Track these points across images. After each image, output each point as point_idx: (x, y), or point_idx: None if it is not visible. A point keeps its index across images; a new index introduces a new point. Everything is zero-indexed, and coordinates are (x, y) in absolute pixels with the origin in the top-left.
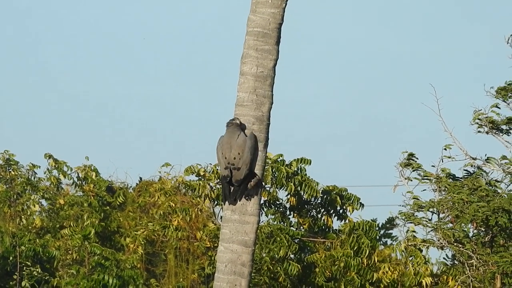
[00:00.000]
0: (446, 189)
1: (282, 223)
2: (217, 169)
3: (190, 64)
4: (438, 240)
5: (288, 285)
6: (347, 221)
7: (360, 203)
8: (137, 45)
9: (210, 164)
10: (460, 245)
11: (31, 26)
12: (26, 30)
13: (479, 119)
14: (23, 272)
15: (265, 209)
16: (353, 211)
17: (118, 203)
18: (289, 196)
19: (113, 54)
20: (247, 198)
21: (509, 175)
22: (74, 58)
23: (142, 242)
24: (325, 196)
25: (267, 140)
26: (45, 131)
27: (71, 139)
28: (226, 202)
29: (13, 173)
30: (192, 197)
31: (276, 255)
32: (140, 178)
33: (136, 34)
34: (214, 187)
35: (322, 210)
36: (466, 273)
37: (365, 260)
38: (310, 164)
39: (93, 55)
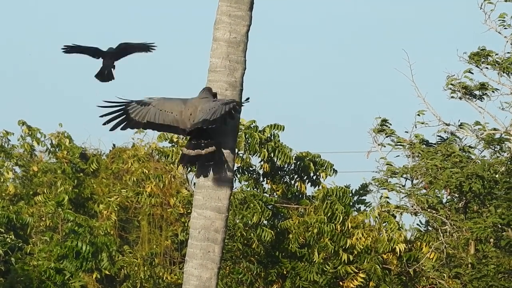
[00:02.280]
0: (420, 155)
1: (255, 189)
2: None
3: (163, 30)
4: (412, 206)
5: (262, 251)
6: (320, 187)
7: (334, 169)
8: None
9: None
10: (434, 211)
11: None
12: None
13: (452, 84)
14: None
15: (238, 176)
16: (326, 177)
17: (92, 170)
18: (262, 163)
19: (88, 14)
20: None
21: (483, 141)
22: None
23: (116, 209)
24: (298, 163)
25: (240, 106)
26: (18, 97)
27: (44, 105)
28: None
29: None
30: (165, 164)
31: (249, 221)
32: (114, 145)
33: None
34: None
35: (296, 177)
36: (440, 239)
37: (338, 226)
38: (283, 130)
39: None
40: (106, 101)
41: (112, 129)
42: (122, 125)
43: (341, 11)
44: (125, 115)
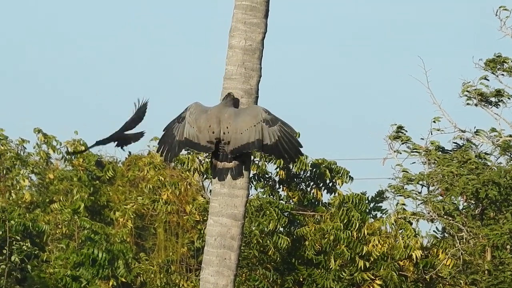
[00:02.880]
0: (436, 161)
1: (271, 196)
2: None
3: (179, 40)
4: (428, 213)
5: (278, 259)
6: (336, 194)
7: (350, 176)
8: (123, 15)
9: None
10: (450, 218)
11: None
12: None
13: (468, 91)
14: (13, 247)
15: (254, 183)
16: (342, 184)
17: (108, 177)
18: (278, 169)
19: (97, 21)
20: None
21: (499, 147)
22: (62, 30)
23: (132, 216)
24: (314, 170)
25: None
26: (34, 105)
27: (60, 113)
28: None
29: (2, 148)
30: (181, 171)
31: (265, 229)
32: (129, 152)
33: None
34: (203, 161)
35: (312, 184)
36: (456, 246)
37: (355, 233)
38: (299, 137)
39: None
40: (159, 142)
41: (170, 160)
42: (176, 151)
43: (359, 19)
44: (173, 140)
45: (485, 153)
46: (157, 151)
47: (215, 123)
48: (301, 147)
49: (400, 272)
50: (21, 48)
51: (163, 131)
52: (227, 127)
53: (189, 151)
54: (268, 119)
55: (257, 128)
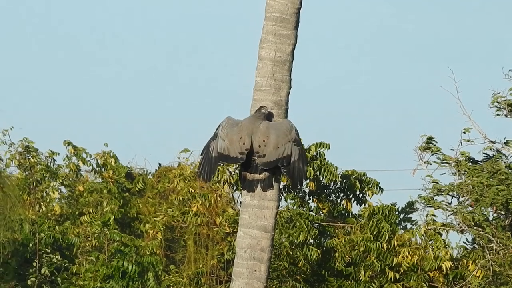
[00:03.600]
0: (466, 172)
1: (301, 208)
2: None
3: (208, 51)
4: (458, 224)
5: (308, 270)
6: (366, 205)
7: (380, 187)
8: (158, 29)
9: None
10: (480, 229)
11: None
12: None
13: (497, 102)
14: (43, 259)
15: (284, 194)
16: (372, 195)
17: (137, 189)
18: (308, 181)
19: (130, 37)
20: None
21: None
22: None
23: (162, 228)
24: (344, 181)
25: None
26: (64, 118)
27: (90, 125)
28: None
29: (32, 160)
30: (211, 183)
31: (295, 240)
32: (159, 164)
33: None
34: (233, 173)
35: (342, 195)
36: (486, 257)
37: (384, 245)
38: (329, 148)
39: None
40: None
41: (208, 179)
42: (211, 169)
43: (388, 29)
44: (210, 159)
45: None
46: (197, 174)
47: (246, 135)
48: (306, 179)
49: (430, 283)
50: (48, 62)
51: (201, 154)
52: (263, 140)
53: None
54: (296, 138)
55: (290, 144)
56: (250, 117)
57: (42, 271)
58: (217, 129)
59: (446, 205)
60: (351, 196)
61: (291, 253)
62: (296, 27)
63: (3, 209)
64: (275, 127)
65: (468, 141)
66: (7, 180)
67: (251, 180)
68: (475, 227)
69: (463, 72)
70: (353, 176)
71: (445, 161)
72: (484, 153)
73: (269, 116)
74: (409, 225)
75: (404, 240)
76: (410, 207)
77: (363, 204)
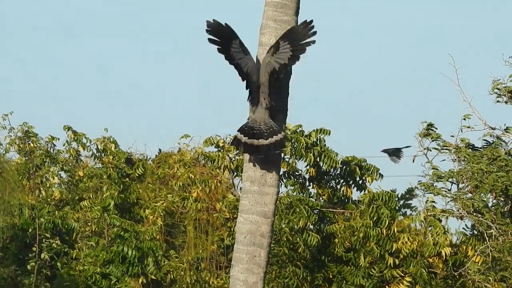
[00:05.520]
0: (465, 159)
1: (301, 194)
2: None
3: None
4: (458, 210)
5: (308, 256)
6: (366, 191)
7: (379, 173)
8: (154, 16)
9: (229, 135)
10: (480, 215)
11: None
12: None
13: (498, 88)
14: (42, 244)
15: (284, 180)
16: (372, 181)
17: (137, 175)
18: (308, 167)
19: (134, 22)
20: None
21: None
22: (92, 26)
23: (162, 214)
24: (344, 167)
25: (286, 111)
26: (64, 102)
27: (90, 110)
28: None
29: (32, 145)
30: (211, 169)
31: (295, 226)
32: (159, 150)
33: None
34: (233, 158)
35: (342, 181)
36: (486, 243)
37: (384, 231)
38: (329, 134)
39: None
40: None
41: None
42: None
43: (386, 17)
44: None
45: None
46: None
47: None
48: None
49: (430, 269)
50: (50, 47)
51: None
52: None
53: (219, 149)
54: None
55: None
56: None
57: (42, 256)
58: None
59: (445, 191)
60: (351, 182)
61: (291, 238)
62: (297, 13)
63: (3, 194)
64: None
65: (468, 127)
66: (6, 165)
67: (258, 145)
68: (474, 214)
69: (464, 59)
70: (353, 162)
71: (445, 148)
72: (484, 140)
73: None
74: (408, 211)
75: (404, 226)
76: (410, 193)
77: (363, 190)
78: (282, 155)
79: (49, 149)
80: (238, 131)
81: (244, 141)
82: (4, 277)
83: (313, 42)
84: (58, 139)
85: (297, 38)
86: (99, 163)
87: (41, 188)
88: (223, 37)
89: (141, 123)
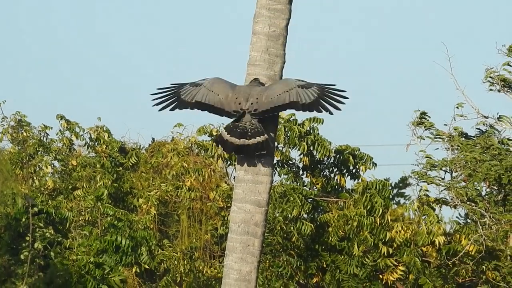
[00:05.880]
0: (459, 147)
1: (295, 182)
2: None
3: (202, 25)
4: (451, 199)
5: (301, 245)
6: (360, 180)
7: (373, 162)
8: (146, 5)
9: (223, 124)
10: (473, 204)
11: None
12: None
13: (491, 77)
14: (36, 234)
15: (278, 169)
16: (366, 170)
17: (131, 164)
18: (301, 156)
19: (124, 10)
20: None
21: None
22: (84, 16)
23: (155, 203)
24: (338, 156)
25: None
26: (57, 91)
27: (83, 99)
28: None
29: (25, 134)
30: (205, 157)
31: (289, 215)
32: (153, 139)
33: None
34: None
35: (335, 170)
36: (479, 231)
37: (378, 219)
38: (322, 123)
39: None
40: (160, 88)
41: (161, 109)
42: (171, 106)
43: (380, 5)
44: (176, 97)
45: (508, 139)
46: (155, 99)
47: (242, 97)
48: (345, 91)
49: (423, 258)
50: (41, 34)
51: (168, 86)
52: (257, 98)
53: (212, 137)
54: (302, 84)
55: (291, 92)
56: (247, 84)
57: (35, 245)
58: (200, 81)
59: (439, 180)
60: (344, 171)
61: (284, 227)
62: (290, 2)
63: None
64: (271, 85)
65: (461, 116)
66: None
67: (241, 145)
68: (468, 202)
69: (457, 47)
70: (347, 151)
71: (438, 136)
72: (477, 128)
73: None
74: (402, 200)
75: (398, 215)
76: (404, 182)
77: (356, 179)
78: (276, 144)
79: (42, 138)
80: (224, 128)
81: (227, 139)
82: None
83: (330, 111)
84: (51, 128)
85: (326, 93)
86: (92, 152)
87: (34, 178)
88: (171, 96)
89: (135, 111)
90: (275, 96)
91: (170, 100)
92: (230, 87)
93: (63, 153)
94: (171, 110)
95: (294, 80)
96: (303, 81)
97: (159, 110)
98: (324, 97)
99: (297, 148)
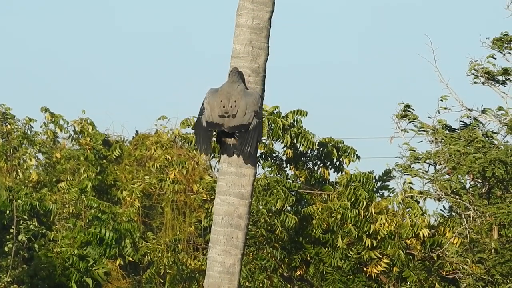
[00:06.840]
0: (443, 140)
1: (278, 175)
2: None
3: (184, 20)
4: (435, 192)
5: (285, 237)
6: (343, 173)
7: (357, 155)
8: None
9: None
10: (457, 197)
11: None
12: None
13: (475, 69)
14: (20, 226)
15: (261, 162)
16: (349, 163)
17: (115, 157)
18: (285, 149)
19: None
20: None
21: (505, 126)
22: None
23: (139, 195)
24: (321, 148)
25: (263, 92)
26: (41, 84)
27: (67, 92)
28: (234, 155)
29: (9, 127)
30: (188, 150)
31: (273, 207)
32: (137, 131)
33: None
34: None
35: (319, 162)
36: (463, 224)
37: (362, 212)
38: (306, 116)
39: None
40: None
41: (206, 153)
42: (205, 141)
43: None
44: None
45: (492, 132)
46: (198, 151)
47: (225, 98)
48: (255, 152)
49: (407, 251)
50: (28, 28)
51: (194, 131)
52: (235, 101)
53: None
54: (258, 111)
55: (253, 114)
56: (227, 82)
57: (19, 237)
58: (202, 103)
59: (423, 173)
60: (328, 164)
61: (268, 220)
62: None
63: None
64: (247, 93)
65: (445, 109)
66: None
67: (229, 144)
68: (452, 195)
69: (441, 40)
70: (330, 144)
71: (422, 129)
72: (461, 121)
73: (241, 76)
74: (386, 193)
75: (382, 208)
76: (387, 175)
77: (340, 172)
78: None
79: (26, 130)
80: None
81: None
82: None
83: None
84: (36, 120)
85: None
86: (76, 144)
87: (19, 170)
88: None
89: (119, 104)
90: (246, 113)
91: (207, 138)
92: (215, 92)
93: (47, 146)
94: (207, 144)
95: (259, 97)
96: (261, 105)
97: (206, 154)
98: (251, 137)
99: (281, 141)
